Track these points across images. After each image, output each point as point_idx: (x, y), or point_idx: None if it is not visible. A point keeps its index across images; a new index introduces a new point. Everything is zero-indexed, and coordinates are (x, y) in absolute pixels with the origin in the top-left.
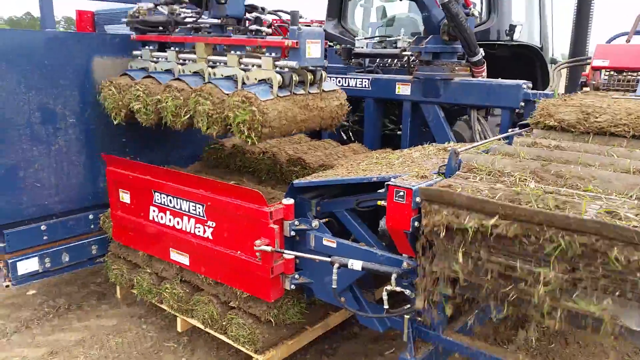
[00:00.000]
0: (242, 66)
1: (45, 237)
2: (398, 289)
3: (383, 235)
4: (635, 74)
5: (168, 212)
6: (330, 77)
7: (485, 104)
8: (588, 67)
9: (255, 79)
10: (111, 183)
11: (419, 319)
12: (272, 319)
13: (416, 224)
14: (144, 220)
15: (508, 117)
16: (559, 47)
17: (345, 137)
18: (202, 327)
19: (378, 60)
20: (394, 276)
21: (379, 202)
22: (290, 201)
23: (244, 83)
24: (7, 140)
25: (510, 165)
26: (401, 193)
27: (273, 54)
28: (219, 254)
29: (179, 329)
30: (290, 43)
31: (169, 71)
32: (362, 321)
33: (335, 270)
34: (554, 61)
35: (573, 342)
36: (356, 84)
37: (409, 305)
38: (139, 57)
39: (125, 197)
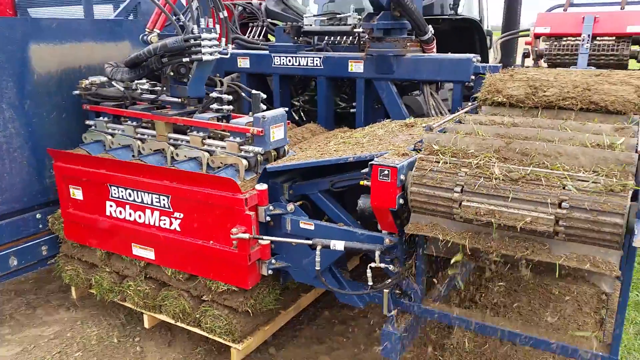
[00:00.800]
0: (206, 147)
1: None
2: (382, 265)
3: (362, 214)
4: (573, 39)
5: (127, 206)
6: (280, 57)
7: (437, 78)
8: (531, 35)
9: (222, 163)
10: (60, 179)
11: (397, 292)
12: (249, 309)
13: (401, 201)
14: (100, 216)
15: (460, 90)
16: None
17: (297, 118)
18: (172, 321)
19: (326, 38)
20: (377, 253)
21: (361, 182)
22: (264, 186)
23: (209, 166)
24: None
25: (474, 145)
26: (386, 172)
27: (237, 139)
28: (188, 245)
29: (146, 325)
30: (256, 131)
31: (127, 147)
32: (342, 299)
33: (318, 252)
34: (488, 33)
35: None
36: (307, 62)
37: (389, 280)
38: (93, 127)
39: (77, 193)
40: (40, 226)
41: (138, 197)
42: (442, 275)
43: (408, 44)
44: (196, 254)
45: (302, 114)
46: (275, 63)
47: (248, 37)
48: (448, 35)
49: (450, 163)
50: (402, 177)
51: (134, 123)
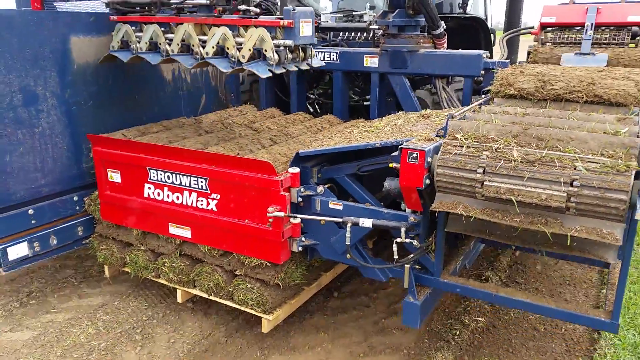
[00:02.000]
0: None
1: (33, 221)
2: (407, 240)
3: (387, 195)
4: (575, 29)
5: (166, 188)
6: None
7: (449, 73)
8: (537, 26)
9: (250, 49)
10: (99, 163)
11: (417, 267)
12: (280, 282)
13: (427, 181)
14: (138, 198)
15: (470, 84)
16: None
17: (311, 110)
18: (205, 295)
19: (341, 34)
20: (403, 229)
21: (390, 165)
22: (297, 170)
23: (239, 62)
24: None
25: (494, 131)
26: (414, 155)
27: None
28: (224, 224)
29: (179, 300)
30: (286, 23)
31: (155, 50)
32: (366, 274)
33: (348, 229)
34: (492, 31)
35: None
36: (324, 57)
37: (411, 255)
38: (119, 36)
39: (114, 176)
40: (77, 208)
41: (177, 180)
42: (457, 252)
43: (421, 40)
44: (231, 232)
45: (316, 106)
46: None
47: None
48: (455, 32)
49: (472, 147)
50: (429, 159)
51: (162, 29)
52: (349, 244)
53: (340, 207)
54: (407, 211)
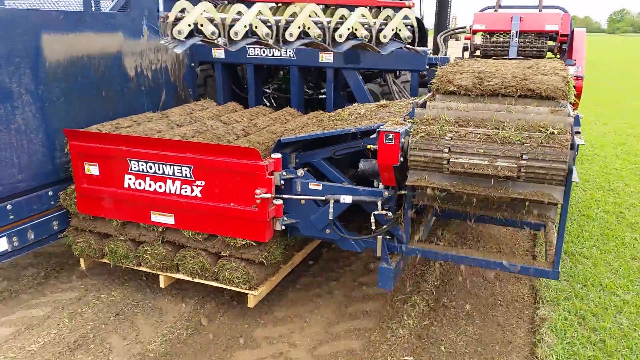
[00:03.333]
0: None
1: (11, 217)
2: (383, 212)
3: (362, 175)
4: (503, 35)
5: (147, 178)
6: (254, 48)
7: (398, 68)
8: (469, 31)
9: (392, 30)
10: (76, 157)
11: (388, 237)
12: (264, 260)
13: (401, 159)
14: (117, 189)
15: (416, 78)
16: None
17: (267, 104)
18: (189, 279)
19: None
20: (379, 203)
21: (368, 146)
22: (279, 155)
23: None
24: None
25: (454, 117)
26: (390, 136)
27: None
28: (210, 208)
29: (162, 285)
30: (410, 3)
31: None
32: (344, 246)
33: (331, 205)
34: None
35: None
36: (281, 54)
37: (384, 227)
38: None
39: (92, 169)
40: (52, 202)
41: (159, 169)
42: (419, 224)
43: None
44: (217, 215)
45: (272, 100)
46: (250, 54)
47: None
48: None
49: (438, 130)
50: (402, 140)
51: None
52: (331, 218)
53: (320, 187)
54: (380, 187)
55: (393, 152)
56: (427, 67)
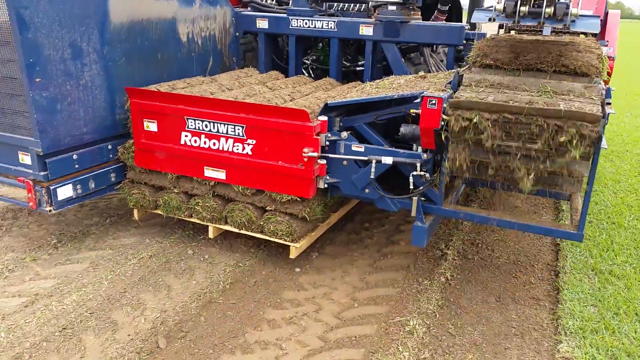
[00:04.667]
0: None
1: (76, 166)
2: (422, 173)
3: (402, 138)
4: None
5: (203, 136)
6: (297, 19)
7: (436, 42)
8: None
9: None
10: (136, 114)
11: (422, 198)
12: (306, 215)
13: (442, 122)
14: (174, 145)
15: (452, 52)
16: None
17: (306, 74)
18: (236, 230)
19: (335, 4)
20: (418, 164)
21: (412, 111)
22: (325, 118)
23: None
24: (47, 75)
25: (507, 80)
26: (433, 101)
27: None
28: (259, 165)
29: (210, 235)
30: None
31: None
32: (380, 205)
33: (373, 164)
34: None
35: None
36: (322, 25)
37: (421, 188)
38: None
39: (151, 126)
40: (111, 156)
41: (214, 128)
42: (452, 187)
43: (411, 12)
44: (265, 172)
45: (310, 71)
46: (293, 25)
47: (261, 0)
48: (432, 6)
49: (484, 90)
50: (445, 105)
51: None
52: (373, 177)
53: (362, 149)
54: (418, 151)
55: (435, 116)
56: (465, 41)
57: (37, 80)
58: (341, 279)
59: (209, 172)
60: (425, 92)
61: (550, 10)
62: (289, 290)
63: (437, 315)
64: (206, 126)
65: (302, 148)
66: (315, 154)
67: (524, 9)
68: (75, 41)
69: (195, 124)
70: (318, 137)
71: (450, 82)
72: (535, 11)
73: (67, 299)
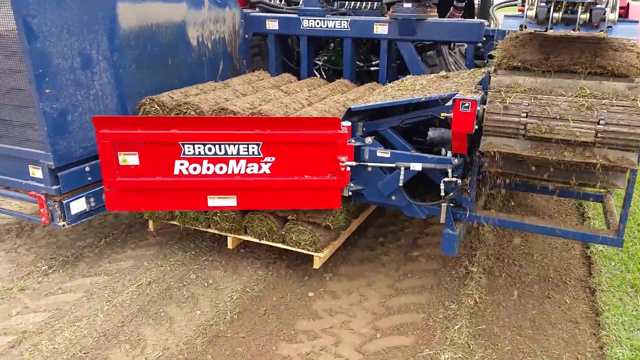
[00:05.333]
0: None
1: (89, 178)
2: (453, 179)
3: (430, 143)
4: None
5: (205, 161)
6: (308, 19)
7: (454, 39)
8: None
9: None
10: (106, 147)
11: (452, 204)
12: (330, 223)
13: (476, 126)
14: (165, 177)
15: (472, 50)
16: None
17: (318, 76)
18: (256, 240)
19: (347, 3)
20: (449, 170)
21: (442, 114)
22: (349, 123)
23: None
24: (57, 85)
25: (529, 86)
26: (467, 104)
27: None
28: (279, 183)
29: (229, 246)
30: None
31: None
32: (407, 212)
33: (402, 171)
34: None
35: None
36: (335, 25)
37: (451, 194)
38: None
39: (129, 159)
40: None
41: (220, 150)
42: (482, 191)
43: (428, 9)
44: (288, 190)
45: (322, 72)
46: (304, 25)
47: (270, 1)
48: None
49: (515, 96)
50: (478, 108)
51: None
52: (401, 184)
53: (388, 155)
54: (448, 155)
55: (469, 119)
56: (484, 39)
57: (47, 91)
58: (359, 305)
59: (215, 202)
60: (457, 95)
61: (585, 16)
62: (303, 320)
63: (470, 347)
64: (209, 150)
65: (333, 158)
66: (353, 163)
67: (557, 15)
68: (85, 49)
69: (194, 149)
70: (352, 144)
71: (480, 83)
72: (569, 17)
73: (59, 336)
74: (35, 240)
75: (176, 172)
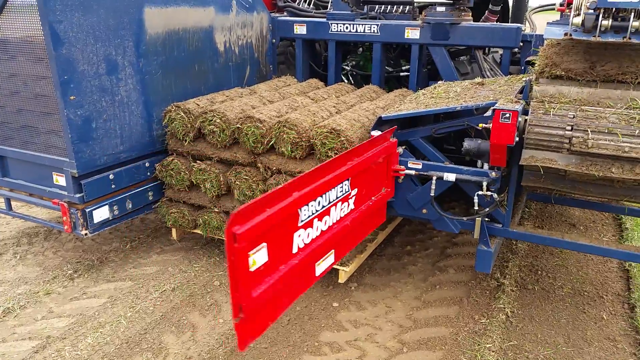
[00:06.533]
0: None
1: (113, 186)
2: (488, 193)
3: (466, 154)
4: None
5: (316, 221)
6: (337, 24)
7: (489, 44)
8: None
9: None
10: (241, 253)
11: (486, 219)
12: None
13: (517, 138)
14: (284, 263)
15: (508, 56)
16: None
17: (345, 81)
18: None
19: (377, 7)
20: (485, 183)
21: (480, 125)
22: (379, 132)
23: None
24: (82, 92)
25: (574, 96)
26: (507, 115)
27: None
28: (359, 216)
29: None
30: None
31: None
32: (439, 226)
33: (434, 181)
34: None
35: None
36: (364, 29)
37: (487, 209)
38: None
39: (259, 258)
40: (148, 174)
41: (325, 200)
42: (518, 206)
43: (462, 13)
44: (362, 219)
45: (350, 78)
46: (333, 30)
47: (298, 4)
48: (482, 6)
49: (560, 108)
50: (519, 119)
51: None
52: (433, 195)
53: (420, 166)
54: (484, 168)
55: (509, 131)
56: (521, 44)
57: (72, 98)
58: (385, 316)
59: (320, 268)
60: (497, 105)
61: (638, 23)
62: (327, 331)
63: None
64: (319, 204)
65: (387, 170)
66: (413, 171)
67: (607, 22)
68: (110, 55)
69: (308, 210)
70: (400, 150)
71: (521, 92)
72: (620, 25)
73: (82, 342)
74: (62, 244)
75: (294, 250)
